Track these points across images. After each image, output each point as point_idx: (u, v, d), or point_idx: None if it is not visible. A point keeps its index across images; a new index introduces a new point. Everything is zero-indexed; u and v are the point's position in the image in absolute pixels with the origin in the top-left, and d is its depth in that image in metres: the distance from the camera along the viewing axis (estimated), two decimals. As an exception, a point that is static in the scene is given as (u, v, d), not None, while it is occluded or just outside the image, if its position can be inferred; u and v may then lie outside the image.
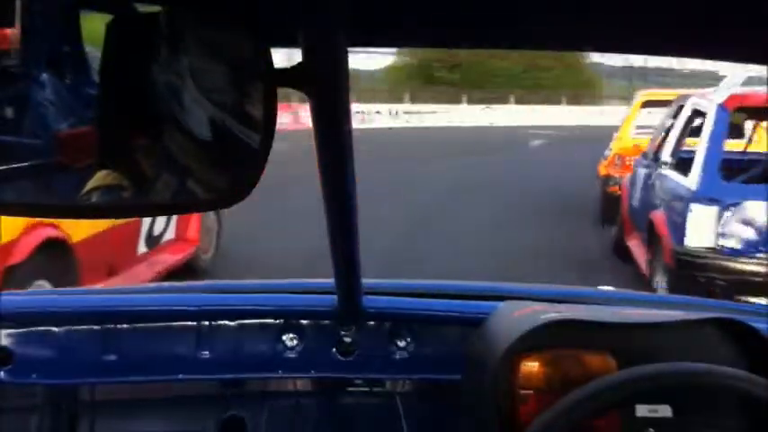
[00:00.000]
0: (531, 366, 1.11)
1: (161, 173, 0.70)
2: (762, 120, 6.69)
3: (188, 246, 6.08)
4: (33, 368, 1.24)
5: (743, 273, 4.82)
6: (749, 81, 5.92)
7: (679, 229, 5.03)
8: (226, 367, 1.29)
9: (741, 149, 6.62)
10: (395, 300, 1.35)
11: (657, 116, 7.90)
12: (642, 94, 9.90)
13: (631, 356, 1.08)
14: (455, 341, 1.29)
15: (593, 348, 1.12)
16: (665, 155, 6.05)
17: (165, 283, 2.24)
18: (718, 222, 4.86)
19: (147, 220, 5.30)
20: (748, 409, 1.06)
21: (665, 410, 1.05)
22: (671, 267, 5.13)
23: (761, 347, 1.12)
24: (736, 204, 4.84)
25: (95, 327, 1.26)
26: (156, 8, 0.70)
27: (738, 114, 6.18)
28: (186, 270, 5.85)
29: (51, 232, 4.18)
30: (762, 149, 6.53)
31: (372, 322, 1.31)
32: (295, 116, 19.46)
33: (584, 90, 39.40)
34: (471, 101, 33.76)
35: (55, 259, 4.20)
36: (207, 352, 1.28)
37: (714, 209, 4.87)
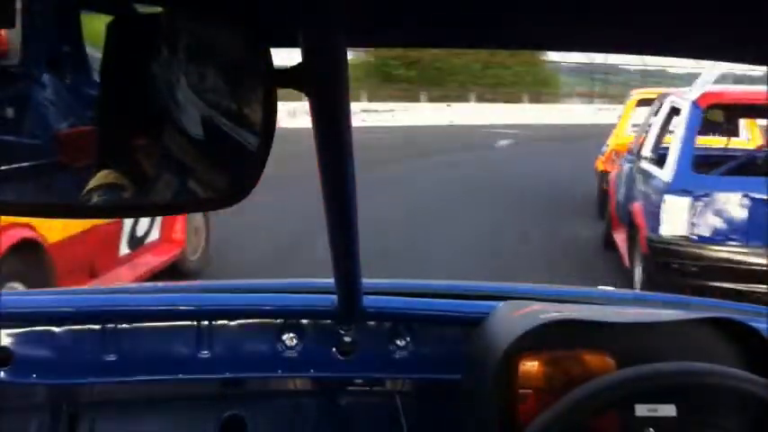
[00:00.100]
0: (531, 366, 1.11)
1: (161, 173, 0.70)
2: (738, 117, 7.20)
3: (174, 247, 5.95)
4: (33, 368, 1.24)
5: (713, 259, 5.12)
6: (722, 79, 6.43)
7: (654, 219, 5.32)
8: (226, 367, 1.29)
9: (722, 146, 6.98)
10: (395, 300, 1.35)
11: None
12: (638, 93, 10.23)
13: (631, 356, 1.08)
14: (455, 341, 1.29)
15: (592, 348, 1.12)
16: (646, 150, 6.32)
17: (166, 283, 2.24)
18: (690, 212, 5.16)
19: (129, 221, 5.20)
20: (748, 409, 1.06)
21: (664, 410, 1.05)
22: (647, 255, 5.42)
23: (761, 347, 1.12)
24: (707, 195, 5.14)
25: (95, 327, 1.26)
26: (156, 8, 0.71)
27: (716, 111, 6.53)
28: (172, 272, 5.74)
29: (25, 233, 4.08)
30: (752, 146, 6.91)
31: (372, 322, 1.31)
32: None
33: (543, 88, 39.02)
34: (430, 99, 32.76)
35: (29, 261, 4.11)
36: (207, 352, 1.28)
37: (687, 199, 5.15)
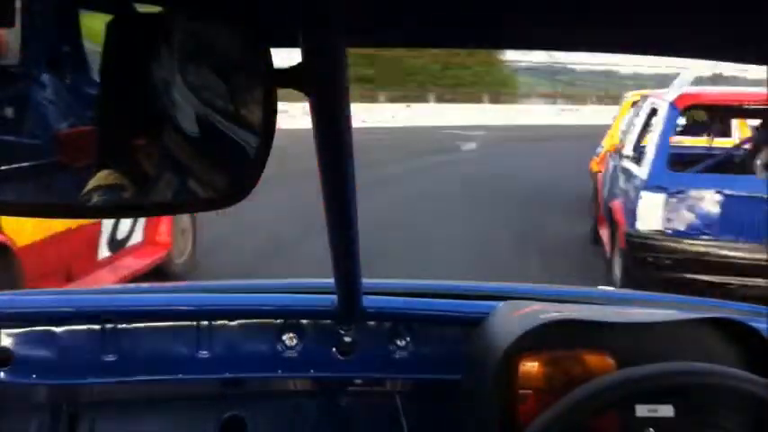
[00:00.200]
0: (531, 366, 1.11)
1: (161, 172, 0.70)
2: (719, 117, 7.50)
3: (158, 250, 5.76)
4: (33, 368, 1.24)
5: (687, 252, 5.37)
6: (698, 81, 6.75)
7: (632, 215, 5.58)
8: (226, 367, 1.29)
9: (706, 145, 7.29)
10: (394, 300, 1.35)
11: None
12: (632, 94, 10.33)
13: (631, 356, 1.08)
14: (455, 341, 1.29)
15: (592, 348, 1.12)
16: (627, 149, 6.55)
17: (166, 284, 2.24)
18: (665, 208, 5.41)
19: (109, 222, 5.04)
20: (748, 409, 1.06)
21: (664, 410, 1.05)
22: (625, 250, 5.67)
23: (761, 347, 1.12)
24: (682, 192, 5.41)
25: (95, 327, 1.26)
26: (156, 8, 0.71)
27: (698, 112, 7.12)
28: (157, 276, 5.56)
29: (-8, 236, 3.95)
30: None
31: (372, 322, 1.31)
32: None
33: (502, 88, 39.03)
34: (388, 99, 32.15)
35: (-5, 265, 3.97)
36: (207, 352, 1.28)
37: (662, 196, 5.42)
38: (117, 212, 0.93)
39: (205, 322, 1.28)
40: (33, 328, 1.25)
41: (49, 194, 0.77)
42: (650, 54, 0.79)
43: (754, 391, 0.99)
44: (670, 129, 5.74)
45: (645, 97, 7.18)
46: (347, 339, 1.30)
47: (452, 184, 12.03)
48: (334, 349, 1.30)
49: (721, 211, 5.32)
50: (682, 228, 5.39)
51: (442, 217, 8.98)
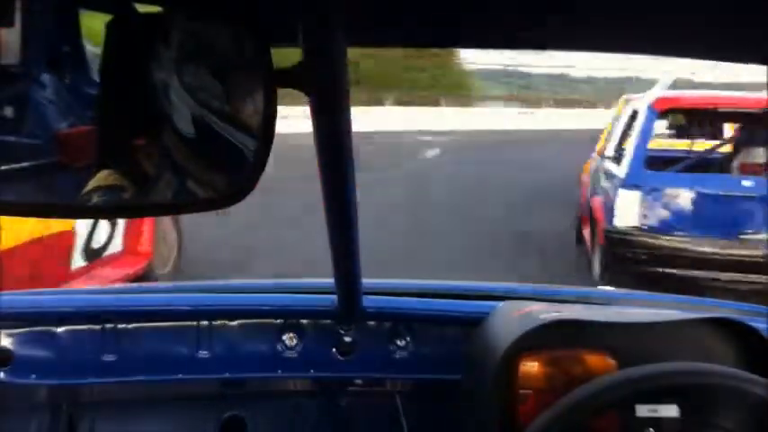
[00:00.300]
0: (531, 366, 1.11)
1: (161, 173, 0.70)
2: (695, 120, 7.80)
3: (139, 260, 5.37)
4: (33, 368, 1.24)
5: (663, 248, 5.59)
6: (675, 84, 7.07)
7: (610, 211, 5.82)
8: (226, 367, 1.29)
9: (687, 147, 7.49)
10: (394, 300, 1.35)
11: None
12: (625, 98, 10.41)
13: (631, 356, 1.08)
14: (455, 341, 1.29)
15: (592, 348, 1.12)
16: (609, 150, 6.79)
17: (166, 284, 2.24)
18: (641, 205, 5.64)
19: (84, 231, 4.71)
20: (749, 409, 1.06)
21: (664, 410, 1.05)
22: (603, 246, 5.89)
23: (761, 347, 1.12)
24: (657, 190, 5.65)
25: (95, 327, 1.26)
26: (155, 8, 0.70)
27: (678, 116, 7.41)
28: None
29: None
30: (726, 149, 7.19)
31: (372, 322, 1.31)
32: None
33: (458, 91, 38.91)
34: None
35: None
36: (207, 352, 1.28)
37: (638, 193, 5.65)
38: (117, 213, 0.94)
39: (205, 322, 1.28)
40: (33, 328, 1.25)
41: (49, 194, 0.77)
42: (650, 54, 0.79)
43: (754, 391, 0.99)
44: (648, 130, 5.96)
45: (628, 100, 7.44)
46: (347, 339, 1.30)
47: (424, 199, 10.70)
48: (334, 349, 1.30)
49: (695, 208, 5.55)
50: (657, 224, 5.60)
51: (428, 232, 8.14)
